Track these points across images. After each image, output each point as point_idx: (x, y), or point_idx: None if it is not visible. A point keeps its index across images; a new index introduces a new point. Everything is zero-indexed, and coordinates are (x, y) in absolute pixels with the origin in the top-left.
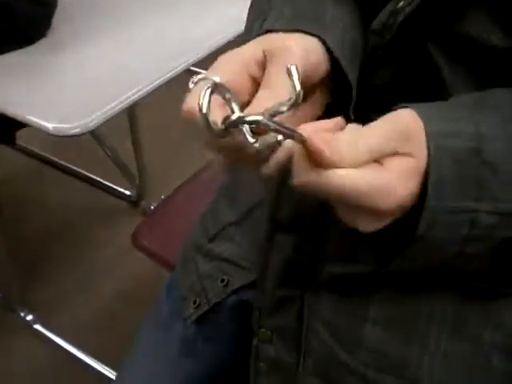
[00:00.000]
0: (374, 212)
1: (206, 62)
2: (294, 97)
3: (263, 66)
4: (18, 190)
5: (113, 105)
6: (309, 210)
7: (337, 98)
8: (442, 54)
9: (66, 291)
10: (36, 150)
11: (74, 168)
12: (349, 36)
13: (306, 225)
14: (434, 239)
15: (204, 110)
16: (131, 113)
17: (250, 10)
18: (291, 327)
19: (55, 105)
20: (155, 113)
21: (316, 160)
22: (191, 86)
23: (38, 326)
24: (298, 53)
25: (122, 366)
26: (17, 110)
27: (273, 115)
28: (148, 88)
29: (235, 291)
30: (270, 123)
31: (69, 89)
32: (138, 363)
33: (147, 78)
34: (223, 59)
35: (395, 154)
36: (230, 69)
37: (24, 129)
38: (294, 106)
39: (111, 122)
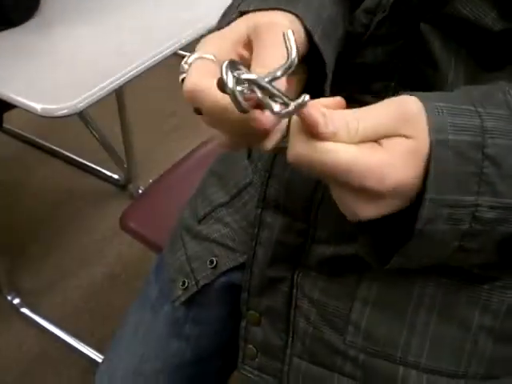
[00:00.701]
0: (369, 194)
1: (194, 45)
2: (290, 60)
3: (250, 46)
4: (4, 174)
5: (101, 86)
6: (299, 191)
7: (315, 77)
8: (435, 34)
9: (54, 275)
10: (22, 132)
11: (62, 151)
12: (326, 13)
13: (296, 205)
14: (433, 233)
15: (231, 86)
16: (120, 96)
17: None
18: (280, 308)
19: (43, 86)
20: (144, 96)
21: (312, 132)
22: (185, 66)
23: (25, 310)
24: (286, 25)
25: (110, 347)
26: (4, 90)
27: (270, 81)
28: (137, 70)
29: (224, 273)
30: (275, 91)
31: (57, 70)
32: (125, 344)
33: (136, 60)
34: (209, 40)
35: (395, 135)
36: (220, 49)
37: (10, 111)
38: (289, 70)
39: (99, 104)
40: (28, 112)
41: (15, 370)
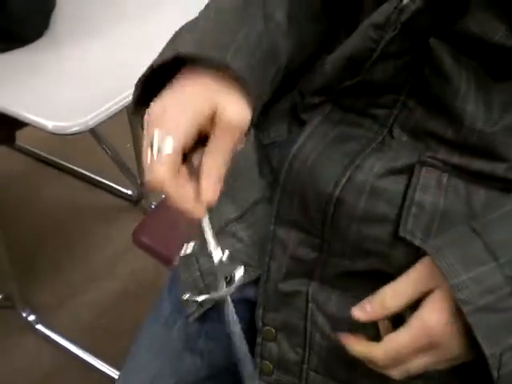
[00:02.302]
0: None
1: None
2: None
3: (212, 119)
4: (18, 191)
5: (112, 103)
6: (313, 206)
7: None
8: (445, 48)
9: (67, 291)
10: (35, 149)
11: (73, 167)
12: (260, 50)
13: (310, 220)
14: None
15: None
16: (131, 111)
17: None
18: (296, 323)
19: (54, 103)
20: None
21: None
22: (155, 146)
23: (40, 327)
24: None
25: (124, 364)
26: (16, 108)
27: None
28: None
29: (238, 288)
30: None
31: (68, 87)
32: (140, 361)
33: None
34: (174, 115)
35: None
36: (186, 130)
37: (23, 129)
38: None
39: (111, 120)
40: (40, 129)
41: None
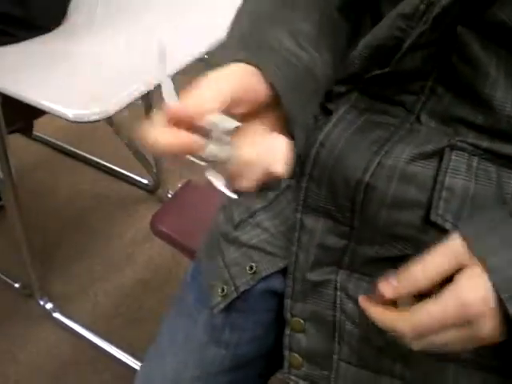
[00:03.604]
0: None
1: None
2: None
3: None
4: (35, 181)
5: (131, 90)
6: (340, 193)
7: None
8: (473, 36)
9: (85, 280)
10: (52, 139)
11: (90, 157)
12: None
13: (338, 208)
14: None
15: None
16: (147, 101)
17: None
18: (325, 313)
19: (74, 92)
20: None
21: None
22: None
23: (57, 315)
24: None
25: (147, 355)
26: (35, 97)
27: None
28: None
29: (264, 278)
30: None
31: (86, 76)
32: (163, 352)
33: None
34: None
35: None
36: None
37: (41, 118)
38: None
39: (127, 110)
40: (56, 119)
41: (48, 374)
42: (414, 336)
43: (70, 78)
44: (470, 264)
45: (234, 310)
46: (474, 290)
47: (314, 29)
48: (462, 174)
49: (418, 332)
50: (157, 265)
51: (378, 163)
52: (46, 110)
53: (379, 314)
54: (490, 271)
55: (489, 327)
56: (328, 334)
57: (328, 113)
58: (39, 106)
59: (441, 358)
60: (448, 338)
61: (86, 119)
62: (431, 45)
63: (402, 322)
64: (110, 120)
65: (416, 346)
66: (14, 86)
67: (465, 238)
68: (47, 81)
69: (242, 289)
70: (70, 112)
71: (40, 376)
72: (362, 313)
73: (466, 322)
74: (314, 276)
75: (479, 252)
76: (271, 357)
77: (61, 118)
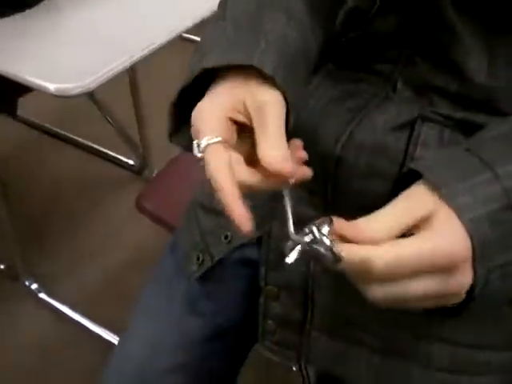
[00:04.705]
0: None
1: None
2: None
3: (246, 113)
4: (21, 161)
5: (114, 65)
6: (315, 167)
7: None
8: (448, 3)
9: (70, 260)
10: (36, 120)
11: (76, 138)
12: (290, 48)
13: (313, 179)
14: (489, 293)
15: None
16: (133, 81)
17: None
18: (298, 282)
19: (56, 67)
20: (157, 81)
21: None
22: (197, 153)
23: (43, 295)
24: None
25: (128, 325)
26: (17, 72)
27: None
28: (149, 48)
29: (239, 247)
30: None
31: (69, 50)
32: (142, 321)
33: (148, 39)
34: (206, 117)
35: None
36: (219, 127)
37: (24, 100)
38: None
39: (113, 90)
40: (41, 100)
41: (33, 353)
42: (384, 277)
43: (53, 53)
44: (430, 212)
45: (211, 280)
46: (450, 233)
47: (304, 6)
48: (432, 146)
49: (390, 272)
50: (143, 245)
51: (350, 134)
52: (28, 84)
53: (352, 247)
54: (446, 197)
55: (463, 276)
56: (301, 303)
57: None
58: (21, 81)
59: (412, 330)
60: (416, 288)
61: (68, 93)
62: (404, 8)
63: (375, 255)
64: (93, 97)
65: (379, 293)
66: None
67: (427, 182)
68: (29, 55)
69: (217, 257)
70: (52, 86)
71: (25, 356)
72: (334, 284)
73: (448, 268)
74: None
75: (433, 183)
76: (247, 328)
77: (43, 92)
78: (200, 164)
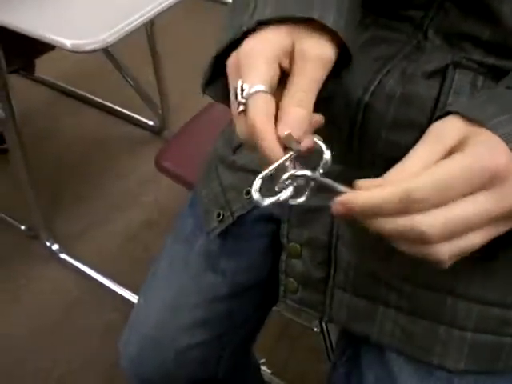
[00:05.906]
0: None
1: None
2: (325, 159)
3: (291, 56)
4: (40, 122)
5: (131, 20)
6: (340, 114)
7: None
8: None
9: (91, 221)
10: (55, 81)
11: (95, 98)
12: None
13: (338, 130)
14: None
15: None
16: (152, 41)
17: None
18: (321, 239)
19: (72, 23)
20: (177, 41)
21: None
22: (241, 98)
23: (63, 256)
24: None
25: (145, 282)
26: (34, 28)
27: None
28: (165, 3)
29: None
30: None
31: (85, 6)
32: (161, 278)
33: None
34: (256, 55)
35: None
36: (267, 70)
37: (44, 61)
38: (326, 166)
39: (133, 52)
40: (58, 60)
41: (55, 313)
42: (434, 199)
43: (68, 9)
44: (473, 133)
45: (231, 237)
46: (490, 150)
47: None
48: (465, 93)
49: (437, 197)
50: (162, 206)
51: (379, 82)
52: (45, 40)
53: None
54: (492, 128)
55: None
56: (323, 260)
57: None
58: (38, 37)
59: (439, 290)
60: (474, 209)
61: (84, 49)
62: None
63: (417, 182)
64: (113, 58)
65: (444, 249)
66: (11, 17)
67: (461, 114)
68: (45, 12)
69: (237, 213)
70: (69, 42)
71: (48, 315)
72: (358, 238)
73: (491, 179)
74: (311, 201)
75: (480, 117)
76: (267, 287)
77: (62, 53)
78: (238, 108)
